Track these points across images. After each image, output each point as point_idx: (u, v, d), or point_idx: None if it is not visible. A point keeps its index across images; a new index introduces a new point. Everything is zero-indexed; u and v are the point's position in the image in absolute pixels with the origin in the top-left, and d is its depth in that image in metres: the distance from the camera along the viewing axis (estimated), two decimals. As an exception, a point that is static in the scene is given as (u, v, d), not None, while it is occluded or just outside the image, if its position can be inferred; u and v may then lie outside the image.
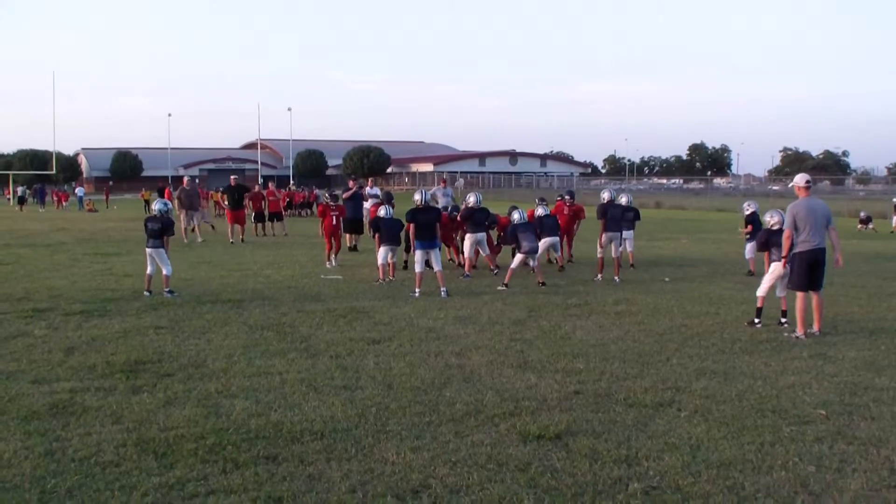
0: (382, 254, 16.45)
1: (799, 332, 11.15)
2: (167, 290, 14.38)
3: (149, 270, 14.68)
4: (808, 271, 11.28)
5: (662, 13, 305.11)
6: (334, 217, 19.63)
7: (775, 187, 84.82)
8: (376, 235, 16.67)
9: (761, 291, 12.05)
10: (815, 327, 11.32)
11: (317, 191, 51.24)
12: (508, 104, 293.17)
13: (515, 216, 16.83)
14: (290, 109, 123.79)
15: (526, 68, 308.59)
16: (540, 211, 18.21)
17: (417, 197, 15.48)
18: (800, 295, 11.28)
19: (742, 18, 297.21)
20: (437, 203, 20.52)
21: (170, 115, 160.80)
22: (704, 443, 6.64)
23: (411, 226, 15.21)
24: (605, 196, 17.87)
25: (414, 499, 5.46)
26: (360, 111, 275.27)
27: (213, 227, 31.38)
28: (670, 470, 6.00)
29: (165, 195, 44.33)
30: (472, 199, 17.21)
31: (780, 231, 12.06)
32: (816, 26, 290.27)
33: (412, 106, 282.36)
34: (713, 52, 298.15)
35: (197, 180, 31.59)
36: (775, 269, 11.89)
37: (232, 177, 28.71)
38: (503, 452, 6.35)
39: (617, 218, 17.36)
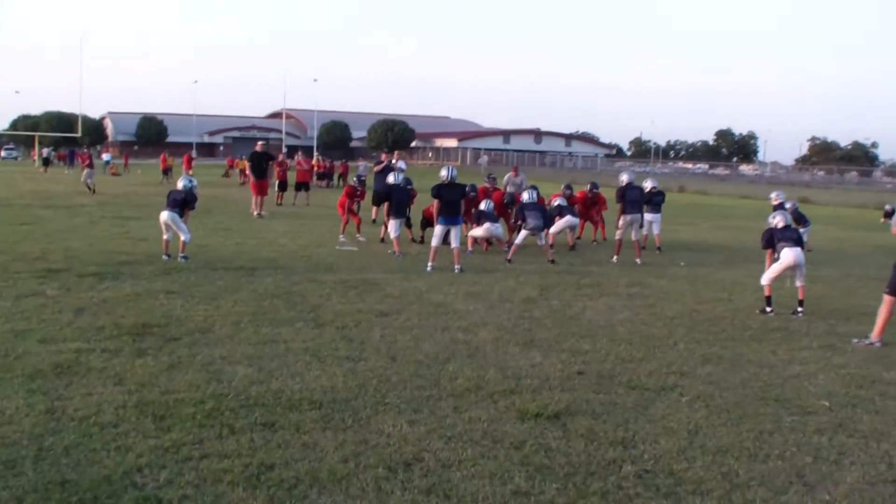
0: (394, 226, 16.50)
1: (874, 338, 10.15)
2: (182, 255, 14.45)
3: (166, 236, 14.74)
4: None
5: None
6: (352, 197, 19.57)
7: (805, 177, 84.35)
8: (385, 206, 16.76)
9: (766, 280, 12.00)
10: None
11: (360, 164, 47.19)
12: (535, 82, 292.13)
13: (525, 196, 17.20)
14: (315, 80, 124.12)
15: (553, 47, 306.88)
16: (557, 201, 18.61)
17: (443, 173, 15.44)
18: (889, 299, 10.19)
19: (775, 3, 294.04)
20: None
21: (196, 81, 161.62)
22: (703, 428, 6.62)
23: (435, 201, 15.20)
24: (624, 178, 17.82)
25: (405, 471, 5.48)
26: (386, 84, 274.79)
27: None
28: (665, 454, 5.98)
29: (184, 164, 44.50)
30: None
31: (787, 228, 12.18)
32: (849, 15, 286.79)
33: (438, 80, 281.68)
34: (744, 38, 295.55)
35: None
36: (785, 258, 11.80)
37: (259, 143, 27.56)
38: (499, 429, 6.35)
39: (636, 200, 17.33)
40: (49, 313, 9.89)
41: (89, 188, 33.60)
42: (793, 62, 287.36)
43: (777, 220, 12.24)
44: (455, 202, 15.12)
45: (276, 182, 29.47)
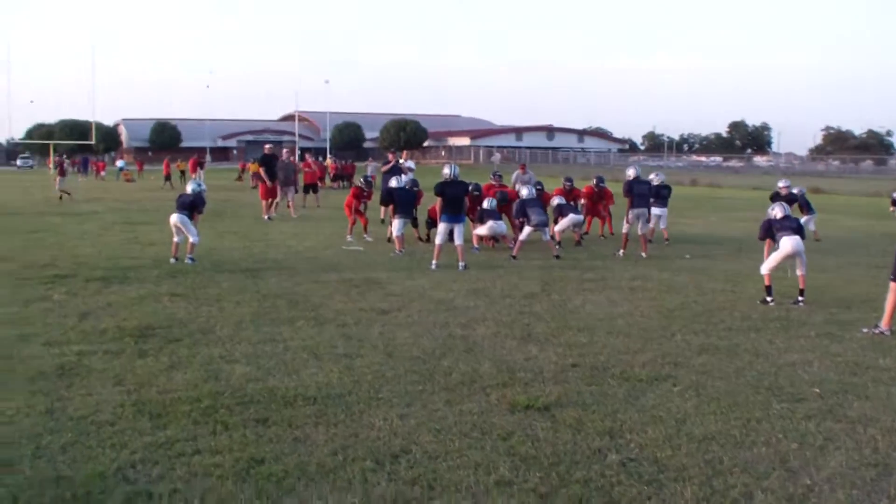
0: (398, 225, 16.69)
1: (884, 326, 10.02)
2: (189, 256, 14.64)
3: (176, 239, 14.94)
4: None
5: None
6: (358, 198, 19.76)
7: (819, 167, 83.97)
8: (391, 207, 17.04)
9: (766, 269, 12.07)
10: None
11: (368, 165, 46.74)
12: (547, 79, 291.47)
13: (524, 192, 17.42)
14: (327, 82, 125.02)
15: (565, 42, 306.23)
16: (556, 200, 18.92)
17: (446, 171, 15.57)
18: (895, 286, 9.99)
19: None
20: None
21: (208, 86, 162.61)
22: (691, 417, 6.69)
23: (439, 199, 15.33)
24: (631, 173, 17.86)
25: (392, 463, 5.58)
26: (398, 84, 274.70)
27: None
28: (651, 443, 6.06)
29: (190, 167, 44.87)
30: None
31: (786, 218, 12.24)
32: (860, 3, 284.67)
33: (450, 79, 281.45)
34: (755, 28, 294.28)
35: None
36: (784, 247, 11.86)
37: (266, 145, 26.99)
38: (489, 421, 6.45)
39: (643, 194, 17.40)
40: (55, 317, 10.07)
41: (68, 193, 33.99)
42: (805, 52, 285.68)
43: (776, 212, 12.31)
44: (458, 200, 15.23)
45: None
